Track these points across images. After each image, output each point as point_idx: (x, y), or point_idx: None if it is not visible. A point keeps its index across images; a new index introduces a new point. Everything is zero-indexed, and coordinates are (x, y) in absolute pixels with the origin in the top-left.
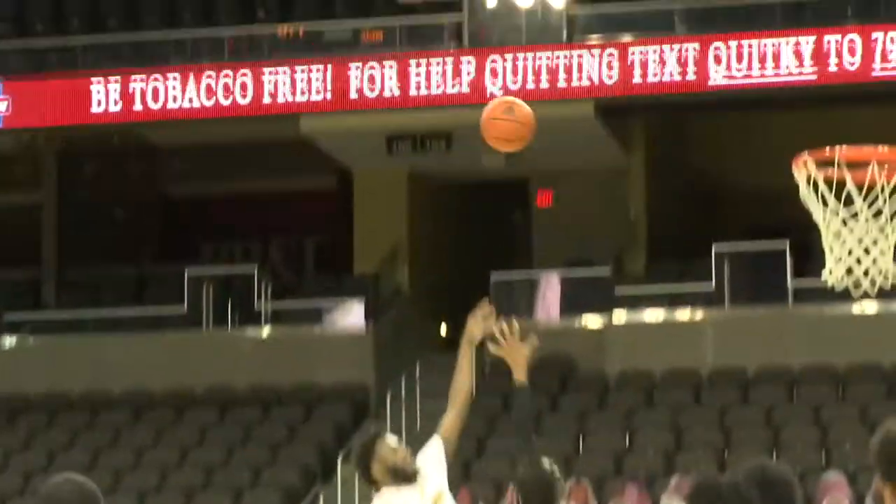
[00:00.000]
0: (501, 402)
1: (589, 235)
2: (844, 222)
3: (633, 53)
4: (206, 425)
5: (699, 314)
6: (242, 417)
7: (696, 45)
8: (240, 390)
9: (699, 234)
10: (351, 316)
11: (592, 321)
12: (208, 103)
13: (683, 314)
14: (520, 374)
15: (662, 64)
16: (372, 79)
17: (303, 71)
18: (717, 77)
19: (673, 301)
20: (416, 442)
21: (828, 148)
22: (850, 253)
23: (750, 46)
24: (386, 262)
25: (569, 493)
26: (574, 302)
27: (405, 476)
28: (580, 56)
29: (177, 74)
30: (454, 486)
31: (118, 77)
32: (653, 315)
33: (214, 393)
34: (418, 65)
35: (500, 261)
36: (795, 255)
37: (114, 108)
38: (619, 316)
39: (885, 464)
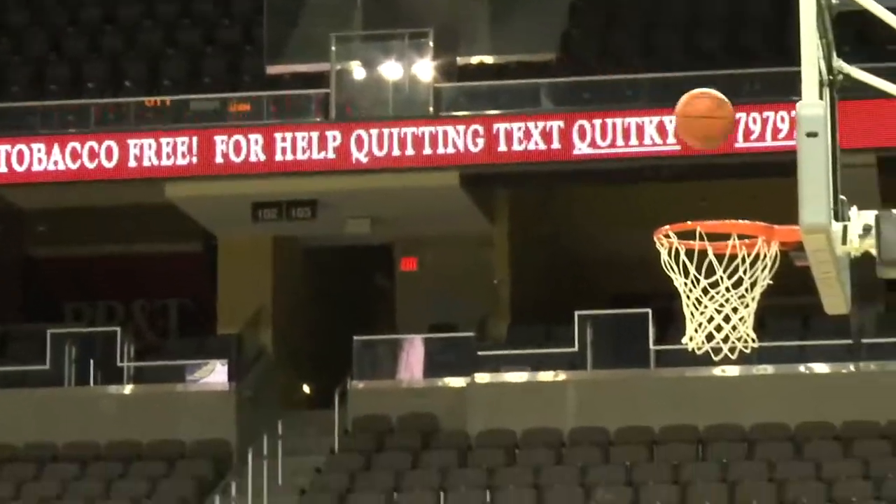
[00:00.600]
0: (364, 459)
1: (453, 300)
2: (705, 291)
3: (498, 126)
4: (67, 479)
5: (561, 376)
6: (104, 472)
7: (562, 123)
8: (102, 446)
9: (563, 300)
10: (214, 374)
11: (455, 382)
12: (73, 166)
13: (546, 376)
14: None
15: (527, 135)
16: (238, 145)
17: (168, 137)
18: (582, 147)
19: (536, 364)
20: (276, 495)
21: (688, 220)
22: (710, 320)
23: (614, 124)
24: (250, 323)
25: None
26: (437, 363)
27: None
28: (446, 128)
29: (42, 141)
30: None
31: None
32: (515, 377)
33: (76, 448)
34: (283, 139)
35: (364, 324)
36: (658, 321)
37: None
38: (482, 377)
39: None
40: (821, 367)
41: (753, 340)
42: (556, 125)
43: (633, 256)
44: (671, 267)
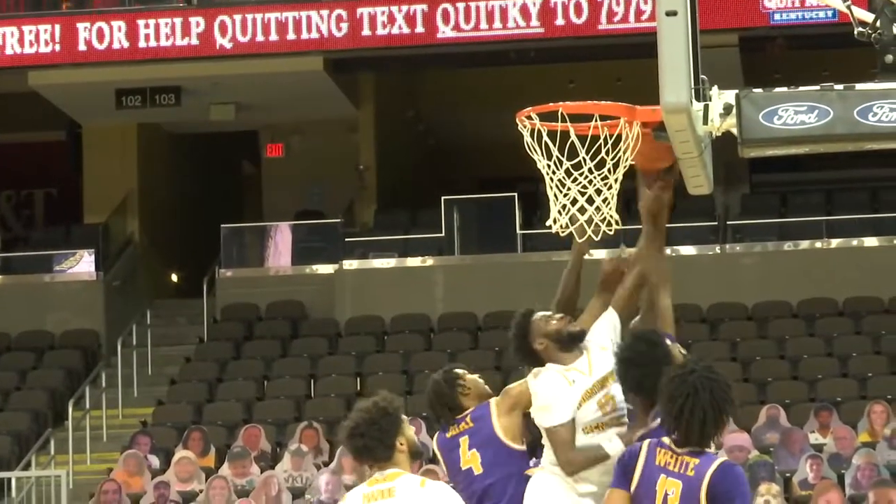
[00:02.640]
0: (233, 348)
1: (319, 187)
2: (568, 173)
3: (361, 9)
4: None
5: (429, 262)
6: None
7: (425, 6)
8: None
9: (429, 185)
10: (81, 264)
11: (323, 269)
12: None
13: (414, 262)
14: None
15: (391, 19)
16: (101, 32)
17: (31, 25)
18: (446, 31)
19: (403, 250)
20: (146, 384)
21: (551, 101)
22: (574, 202)
23: (478, 7)
24: (116, 212)
25: (300, 435)
26: (305, 251)
27: (573, 338)
28: (309, 12)
29: None
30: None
31: None
32: (383, 263)
33: None
34: (146, 25)
35: (231, 211)
36: (524, 205)
37: None
38: (350, 263)
39: None
40: (686, 249)
41: (617, 222)
42: (419, 9)
43: (500, 140)
44: (534, 149)
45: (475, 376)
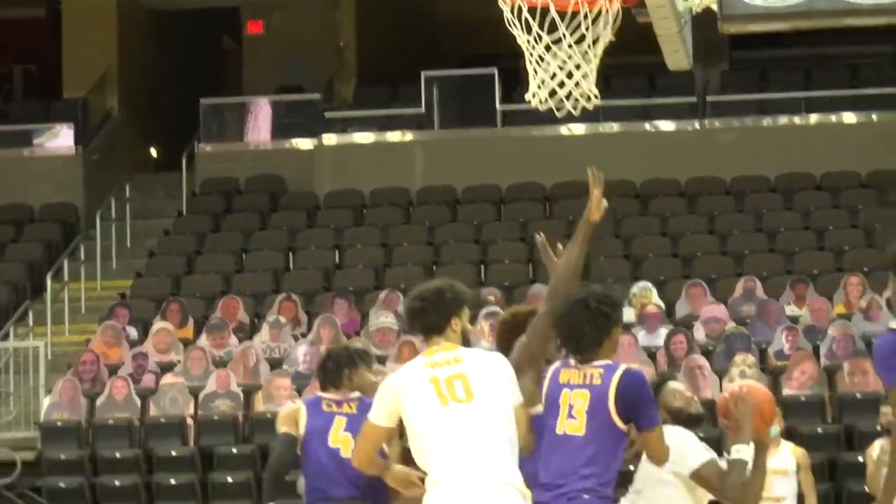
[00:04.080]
0: (212, 221)
1: (300, 62)
2: (548, 48)
3: None
4: None
5: (409, 136)
6: None
7: None
8: None
9: (410, 61)
10: (60, 138)
11: (303, 143)
12: None
13: (393, 136)
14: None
15: None
16: None
17: None
18: None
19: (383, 125)
20: (125, 257)
21: None
22: (553, 77)
23: None
24: (96, 87)
25: (278, 307)
26: (284, 125)
27: (690, 420)
28: None
29: None
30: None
31: None
32: (362, 137)
33: None
34: None
35: (211, 87)
36: (504, 80)
37: None
38: (329, 138)
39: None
40: (665, 125)
41: (596, 97)
42: None
43: (480, 15)
44: (514, 24)
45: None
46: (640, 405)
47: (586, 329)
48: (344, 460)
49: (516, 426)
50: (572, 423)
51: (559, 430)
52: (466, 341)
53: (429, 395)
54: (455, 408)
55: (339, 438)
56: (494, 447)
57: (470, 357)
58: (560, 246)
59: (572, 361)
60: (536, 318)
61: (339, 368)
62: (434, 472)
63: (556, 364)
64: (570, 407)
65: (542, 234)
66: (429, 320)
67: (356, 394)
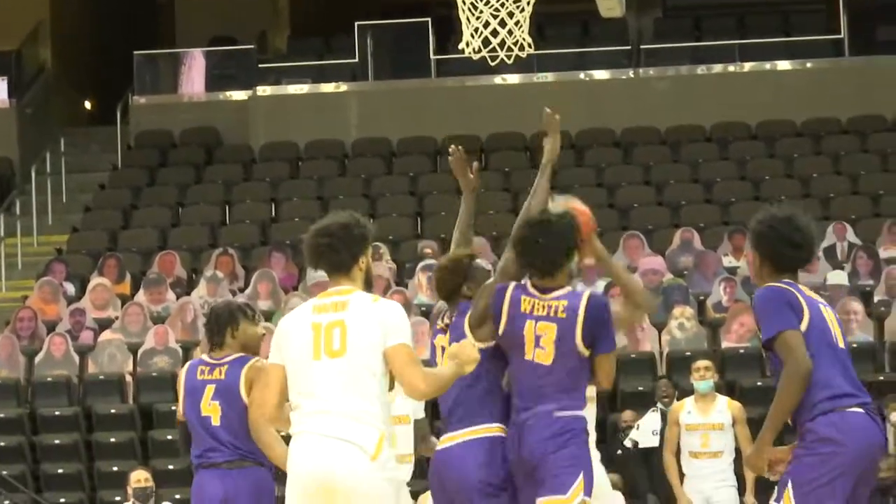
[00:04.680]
0: (148, 175)
1: (232, 13)
2: None
3: None
4: None
5: (343, 87)
6: None
7: None
8: None
9: (343, 10)
10: None
11: (237, 95)
12: None
13: (328, 87)
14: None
15: None
16: None
17: None
18: None
19: (317, 77)
20: (60, 212)
21: None
22: (486, 25)
23: None
24: (28, 40)
25: (215, 262)
26: (218, 77)
27: None
28: None
29: None
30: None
31: None
32: (297, 88)
33: None
34: None
35: (144, 39)
36: (438, 30)
37: None
38: (264, 90)
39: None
40: (600, 74)
41: (529, 45)
42: None
43: None
44: None
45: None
46: (603, 329)
47: (549, 252)
48: (216, 428)
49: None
50: (541, 352)
51: (528, 357)
52: (369, 280)
53: (305, 344)
54: (325, 362)
55: (209, 407)
56: (352, 404)
57: (356, 304)
58: (475, 164)
59: (529, 286)
60: (504, 260)
61: (220, 326)
62: (294, 425)
63: (512, 288)
64: (538, 338)
65: (458, 146)
66: (337, 259)
67: (232, 356)
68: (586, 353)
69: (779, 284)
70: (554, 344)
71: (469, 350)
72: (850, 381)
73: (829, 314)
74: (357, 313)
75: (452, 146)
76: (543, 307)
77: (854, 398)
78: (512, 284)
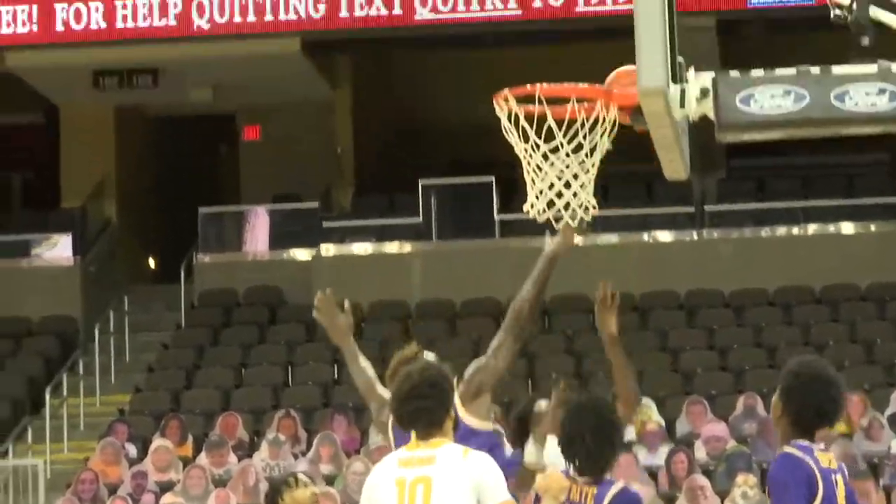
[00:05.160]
0: (211, 334)
1: (297, 170)
2: (546, 157)
3: None
4: None
5: (407, 247)
6: None
7: None
8: None
9: (406, 168)
10: (58, 249)
11: (300, 254)
12: None
13: (391, 247)
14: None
15: (369, 1)
16: (78, 13)
17: (9, 6)
18: (423, 12)
19: (381, 234)
20: (123, 371)
21: (529, 84)
22: (551, 187)
23: None
24: (94, 196)
25: (277, 424)
26: (282, 235)
27: None
28: None
29: None
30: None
31: None
32: (361, 248)
33: None
34: (125, 6)
35: (209, 194)
36: (501, 190)
37: None
38: (327, 249)
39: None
40: (663, 235)
41: (594, 207)
42: None
43: (477, 123)
44: (511, 132)
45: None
46: None
47: (593, 446)
48: None
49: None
50: None
51: None
52: (456, 423)
53: (390, 499)
54: None
55: None
56: None
57: (445, 458)
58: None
59: (570, 470)
60: (499, 342)
61: (273, 496)
62: None
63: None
64: None
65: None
66: (433, 418)
67: None
68: None
69: (797, 454)
70: None
71: (559, 480)
72: None
73: (840, 486)
74: (446, 469)
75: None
76: (578, 492)
77: None
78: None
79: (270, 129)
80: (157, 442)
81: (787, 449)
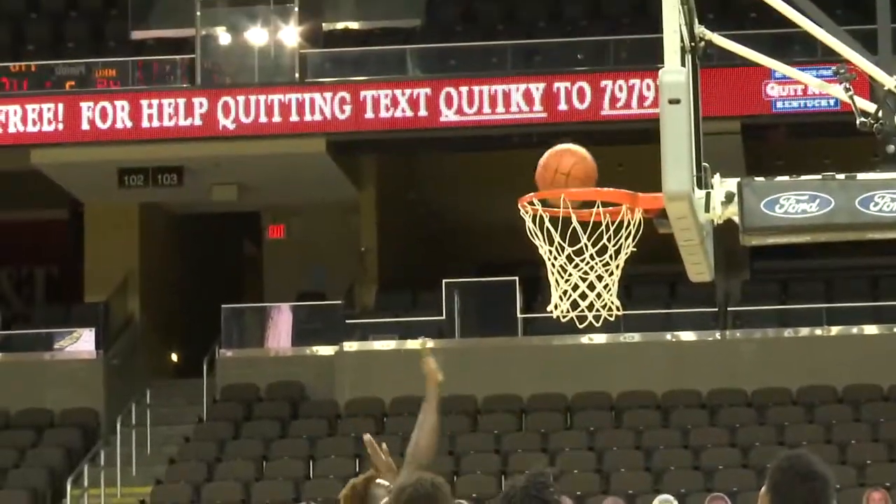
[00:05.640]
0: (233, 428)
1: (321, 268)
2: (570, 258)
3: (365, 93)
4: None
5: (429, 344)
6: None
7: (428, 90)
8: None
9: (430, 267)
10: (81, 343)
11: (323, 350)
12: None
13: (414, 344)
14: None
15: (394, 103)
16: (104, 112)
17: (34, 104)
18: (449, 115)
19: (404, 332)
20: (145, 464)
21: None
22: (575, 288)
23: (481, 91)
24: (117, 291)
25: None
26: (305, 332)
27: None
28: (312, 95)
29: None
30: None
31: None
32: (383, 345)
33: None
34: (150, 105)
35: (232, 291)
36: (525, 289)
37: None
38: (350, 345)
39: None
40: (687, 335)
41: (618, 308)
42: (422, 92)
43: (501, 224)
44: (535, 234)
45: None
46: None
47: None
48: None
49: None
50: None
51: None
52: None
53: None
54: None
55: None
56: None
57: None
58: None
59: None
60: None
61: None
62: None
63: None
64: None
65: (367, 435)
66: None
67: None
68: None
69: None
70: None
71: None
72: None
73: None
74: None
75: (364, 436)
76: None
77: None
78: None
79: (295, 227)
80: None
81: None
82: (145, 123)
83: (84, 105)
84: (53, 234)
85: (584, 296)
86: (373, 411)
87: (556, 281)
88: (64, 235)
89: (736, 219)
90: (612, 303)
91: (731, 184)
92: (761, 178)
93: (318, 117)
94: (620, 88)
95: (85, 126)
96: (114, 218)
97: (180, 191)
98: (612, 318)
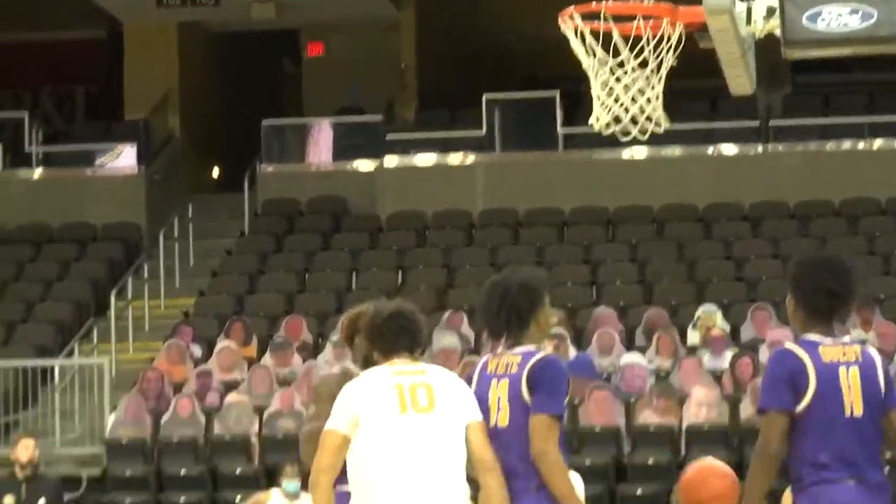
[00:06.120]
0: (274, 241)
1: (360, 85)
2: (612, 72)
3: None
4: None
5: (470, 158)
6: (15, 255)
7: None
8: (10, 229)
9: (470, 84)
10: (123, 158)
11: (364, 165)
12: None
13: (454, 158)
14: None
15: None
16: None
17: None
18: None
19: (444, 147)
20: (188, 276)
21: (594, 2)
22: (617, 101)
23: None
24: (157, 109)
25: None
26: (346, 147)
27: None
28: None
29: None
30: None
31: None
32: (424, 159)
33: None
34: None
35: (272, 109)
36: (566, 104)
37: None
38: (391, 160)
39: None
40: (728, 149)
41: (665, 120)
42: None
43: (542, 39)
44: (579, 49)
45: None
46: (543, 385)
47: (510, 312)
48: None
49: (477, 440)
50: (501, 414)
51: (491, 424)
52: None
53: (390, 400)
54: (412, 416)
55: None
56: (445, 460)
57: (433, 370)
58: None
59: (499, 349)
60: None
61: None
62: (378, 479)
63: (484, 358)
64: (498, 399)
65: None
66: (413, 341)
67: None
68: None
69: (790, 348)
70: (507, 403)
71: None
72: (841, 455)
73: (853, 379)
74: (439, 376)
75: None
76: (502, 364)
77: (838, 472)
78: (485, 357)
79: (334, 45)
80: (222, 343)
81: (786, 344)
82: None
83: None
84: (93, 53)
85: (626, 109)
86: (414, 225)
87: (598, 95)
88: (104, 55)
89: (778, 32)
90: (658, 115)
91: None
92: None
93: None
94: None
95: None
96: (152, 37)
97: (218, 10)
98: (660, 131)
